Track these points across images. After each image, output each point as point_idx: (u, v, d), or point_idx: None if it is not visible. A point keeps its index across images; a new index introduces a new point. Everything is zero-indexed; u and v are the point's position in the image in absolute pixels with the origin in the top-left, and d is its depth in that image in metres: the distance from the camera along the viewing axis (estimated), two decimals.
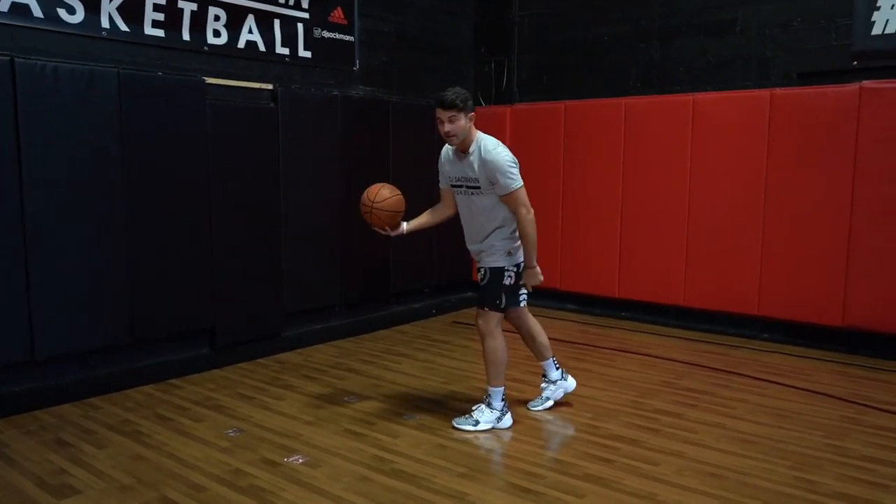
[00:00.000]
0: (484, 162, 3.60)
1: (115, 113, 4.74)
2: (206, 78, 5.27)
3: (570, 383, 4.23)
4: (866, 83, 5.35)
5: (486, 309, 3.78)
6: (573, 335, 6.06)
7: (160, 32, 5.07)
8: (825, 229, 5.57)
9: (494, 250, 3.77)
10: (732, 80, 6.16)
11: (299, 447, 3.60)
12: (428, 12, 7.22)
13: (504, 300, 3.80)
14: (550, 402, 4.17)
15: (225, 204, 5.43)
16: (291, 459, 3.45)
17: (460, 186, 3.78)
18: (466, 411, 3.93)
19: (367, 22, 6.59)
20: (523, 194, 3.65)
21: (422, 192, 6.13)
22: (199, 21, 5.25)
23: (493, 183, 3.62)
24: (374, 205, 3.81)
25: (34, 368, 4.55)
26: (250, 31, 5.60)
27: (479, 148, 3.62)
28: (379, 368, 5.06)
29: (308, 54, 6.06)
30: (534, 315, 4.16)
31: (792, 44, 5.88)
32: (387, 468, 3.36)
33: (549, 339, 4.17)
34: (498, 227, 3.73)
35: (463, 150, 3.68)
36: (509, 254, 3.78)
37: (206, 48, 5.34)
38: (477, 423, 3.81)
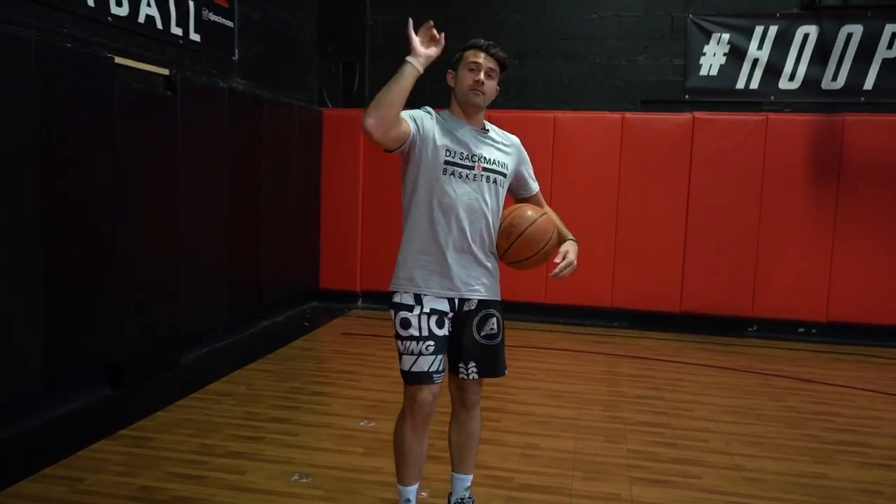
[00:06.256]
0: (517, 147, 2.75)
1: (30, 90, 3.63)
2: (113, 56, 4.29)
3: None
4: (698, 114, 6.60)
5: (504, 375, 2.76)
6: None
7: None
8: (666, 233, 6.71)
9: (495, 273, 2.69)
10: (586, 102, 7.00)
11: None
12: (285, 2, 6.71)
13: None
14: None
15: (131, 214, 4.47)
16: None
17: (469, 168, 2.55)
18: None
19: (244, 7, 5.91)
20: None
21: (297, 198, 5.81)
22: None
23: (521, 175, 2.77)
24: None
25: None
26: (149, 4, 4.67)
27: (496, 129, 2.71)
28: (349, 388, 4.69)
29: (198, 38, 5.24)
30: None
31: (636, 76, 6.93)
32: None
33: None
34: (491, 240, 2.65)
35: (476, 124, 2.64)
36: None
37: (109, 18, 4.32)
38: None
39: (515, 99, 7.14)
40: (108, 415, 4.08)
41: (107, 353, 4.34)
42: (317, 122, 7.13)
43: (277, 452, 3.57)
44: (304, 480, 3.26)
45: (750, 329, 6.72)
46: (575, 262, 2.60)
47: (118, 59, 4.33)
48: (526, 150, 2.81)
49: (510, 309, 6.77)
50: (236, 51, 5.80)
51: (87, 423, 3.93)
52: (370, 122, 2.35)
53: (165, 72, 4.86)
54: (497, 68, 2.60)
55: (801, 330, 6.62)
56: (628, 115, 6.71)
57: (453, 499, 2.82)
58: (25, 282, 3.68)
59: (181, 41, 5.04)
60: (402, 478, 2.66)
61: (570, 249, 2.62)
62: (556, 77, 7.09)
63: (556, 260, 2.59)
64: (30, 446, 3.57)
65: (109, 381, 4.46)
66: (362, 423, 3.95)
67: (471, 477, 2.83)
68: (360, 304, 7.46)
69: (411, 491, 2.66)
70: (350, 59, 7.39)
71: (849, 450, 3.86)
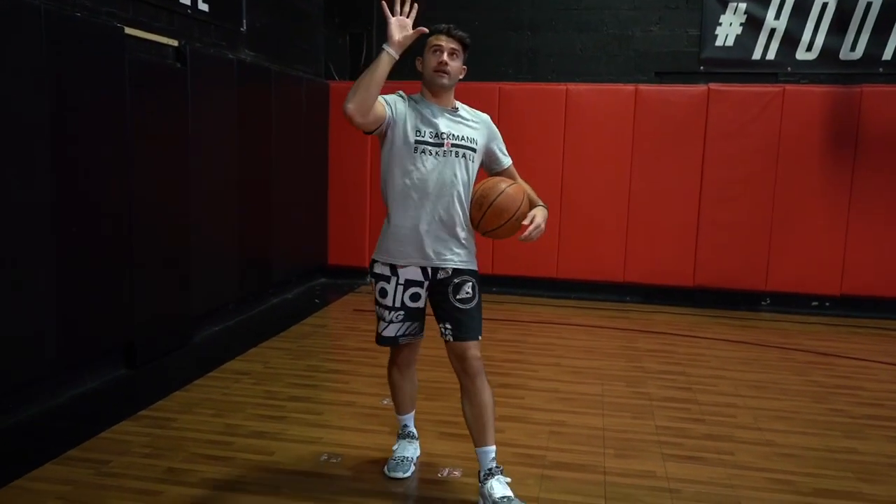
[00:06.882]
0: (486, 124, 2.88)
1: (40, 61, 3.50)
2: (123, 26, 4.15)
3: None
4: (713, 85, 6.48)
5: (477, 340, 2.79)
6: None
7: None
8: (680, 206, 6.63)
9: (469, 244, 2.85)
10: (599, 74, 6.87)
11: (443, 461, 3.22)
12: None
13: None
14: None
15: (141, 188, 4.37)
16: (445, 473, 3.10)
17: (438, 145, 2.72)
18: None
19: None
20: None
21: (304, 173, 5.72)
22: None
23: (491, 151, 2.91)
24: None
25: None
26: None
27: (466, 108, 2.87)
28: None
29: (206, 8, 5.08)
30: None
31: (650, 47, 6.79)
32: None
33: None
34: (464, 212, 2.82)
35: (447, 104, 2.80)
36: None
37: None
38: None
39: (527, 71, 7.00)
40: (125, 395, 4.02)
41: (120, 332, 4.26)
42: (324, 95, 6.99)
43: (302, 432, 3.51)
44: (334, 461, 3.20)
45: (763, 303, 6.68)
46: (543, 226, 2.74)
47: (128, 30, 4.20)
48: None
49: (522, 284, 6.92)
50: (244, 22, 5.64)
51: (105, 403, 3.86)
52: (350, 106, 2.55)
53: (175, 43, 4.72)
54: (459, 48, 2.77)
55: (814, 303, 6.58)
56: (642, 86, 6.59)
57: (482, 471, 2.79)
58: (37, 260, 3.59)
59: (190, 11, 4.89)
60: (398, 409, 3.17)
61: (537, 214, 2.76)
62: (568, 48, 6.94)
63: (525, 223, 2.72)
64: (50, 428, 3.50)
65: (124, 361, 4.39)
66: (385, 402, 3.88)
67: (493, 448, 2.78)
68: (368, 280, 7.36)
69: (407, 418, 3.19)
70: (357, 31, 7.22)
71: (878, 424, 3.82)
